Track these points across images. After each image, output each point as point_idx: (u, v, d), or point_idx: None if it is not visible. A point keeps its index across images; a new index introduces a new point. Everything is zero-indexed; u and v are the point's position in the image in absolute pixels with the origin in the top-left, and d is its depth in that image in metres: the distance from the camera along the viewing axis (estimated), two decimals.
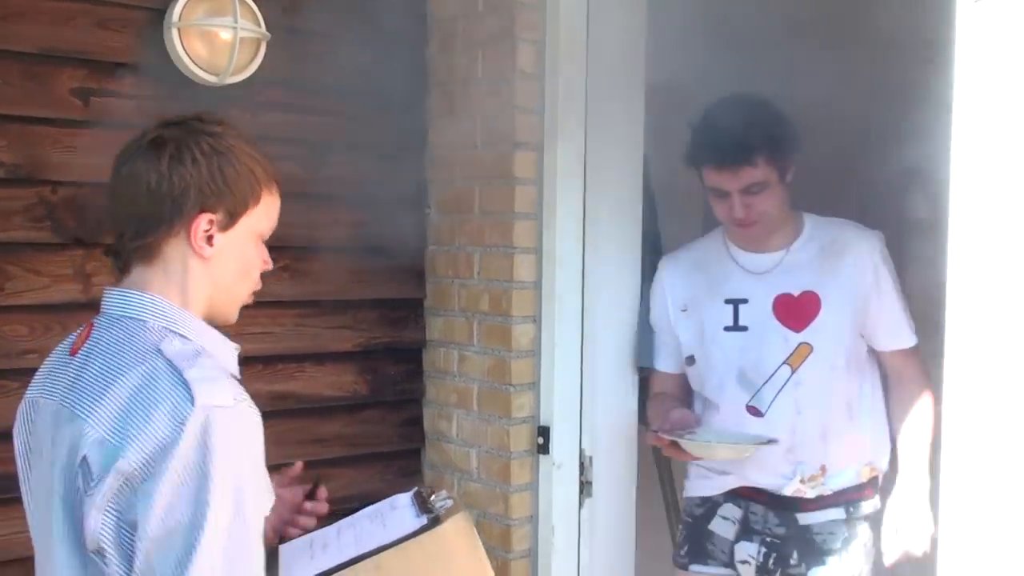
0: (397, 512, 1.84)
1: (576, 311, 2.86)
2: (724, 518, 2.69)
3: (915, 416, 2.57)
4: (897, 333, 2.60)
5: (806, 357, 2.54)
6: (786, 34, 3.42)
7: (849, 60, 3.29)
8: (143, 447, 1.40)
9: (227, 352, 1.62)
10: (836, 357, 2.54)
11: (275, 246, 2.80)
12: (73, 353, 1.59)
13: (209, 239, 1.58)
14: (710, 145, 2.51)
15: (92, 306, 2.55)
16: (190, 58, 2.63)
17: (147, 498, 1.39)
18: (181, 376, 1.45)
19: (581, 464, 2.89)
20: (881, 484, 2.64)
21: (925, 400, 2.58)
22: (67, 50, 2.55)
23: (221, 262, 1.61)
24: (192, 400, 1.42)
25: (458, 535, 1.78)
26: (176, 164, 1.55)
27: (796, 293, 2.57)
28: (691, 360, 2.70)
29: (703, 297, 2.67)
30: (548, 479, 2.85)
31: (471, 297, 2.97)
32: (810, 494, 2.56)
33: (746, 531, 2.65)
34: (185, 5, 2.61)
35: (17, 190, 2.51)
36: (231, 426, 1.45)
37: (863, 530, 2.60)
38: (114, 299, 1.60)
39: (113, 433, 1.42)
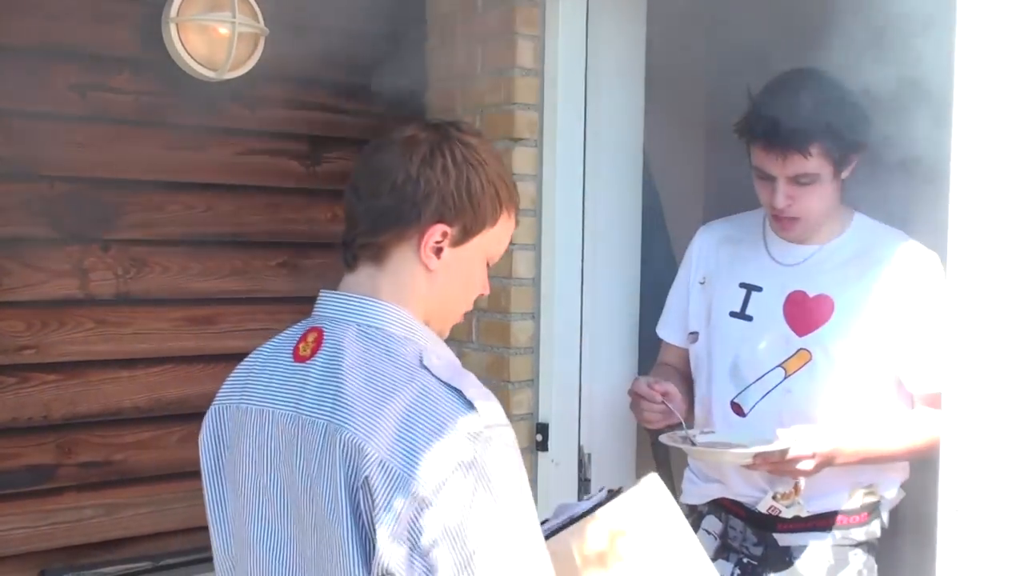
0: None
1: (575, 307, 2.86)
2: (707, 531, 2.47)
3: (910, 422, 2.30)
4: (930, 376, 2.26)
5: (803, 365, 2.31)
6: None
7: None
8: (437, 473, 1.35)
9: (458, 362, 1.56)
10: (839, 373, 2.28)
11: (275, 242, 2.86)
12: (301, 360, 1.51)
13: (438, 251, 1.52)
14: (763, 121, 2.26)
15: (90, 302, 2.59)
16: (188, 53, 2.63)
17: (442, 524, 1.35)
18: (462, 396, 1.40)
19: (580, 461, 2.88)
20: (890, 512, 2.40)
21: (930, 425, 2.22)
22: (65, 45, 2.55)
23: (444, 277, 1.54)
24: (479, 421, 1.38)
25: (649, 496, 1.78)
26: (426, 167, 1.49)
27: (811, 294, 2.34)
28: (695, 337, 2.51)
29: (723, 274, 2.48)
30: (547, 476, 2.85)
31: None
32: (786, 514, 2.32)
33: (724, 548, 2.44)
34: (183, 0, 2.60)
35: (15, 185, 2.51)
36: (509, 444, 1.42)
37: (855, 557, 2.34)
38: (347, 304, 1.54)
39: (399, 457, 1.36)
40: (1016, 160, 1.36)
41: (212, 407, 1.61)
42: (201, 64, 2.64)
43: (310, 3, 2.87)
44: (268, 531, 1.50)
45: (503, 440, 1.40)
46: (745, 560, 2.40)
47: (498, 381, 2.88)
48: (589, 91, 2.84)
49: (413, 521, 1.35)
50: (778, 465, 2.20)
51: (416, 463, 1.35)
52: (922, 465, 2.35)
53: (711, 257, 2.53)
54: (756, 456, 2.19)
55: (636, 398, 2.42)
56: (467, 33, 2.95)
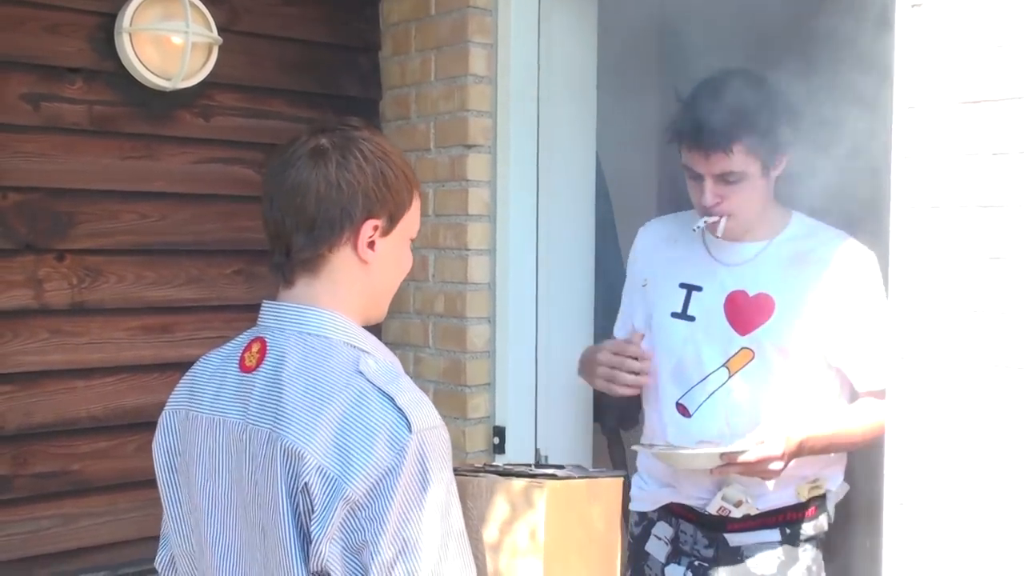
0: None
1: (530, 311, 2.88)
2: (657, 537, 2.45)
3: (863, 410, 2.27)
4: (874, 373, 2.24)
5: (746, 363, 2.29)
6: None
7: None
8: (368, 476, 1.42)
9: (396, 361, 1.62)
10: (780, 371, 2.27)
11: (230, 250, 2.86)
12: (247, 370, 1.57)
13: (371, 245, 1.58)
14: (688, 122, 2.27)
15: (45, 312, 2.58)
16: (142, 63, 2.63)
17: (374, 523, 1.42)
18: (393, 402, 1.46)
19: (536, 464, 2.89)
20: (836, 505, 2.40)
21: (880, 411, 2.05)
22: (17, 55, 2.53)
23: (380, 267, 1.61)
24: (409, 427, 1.44)
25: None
26: (343, 171, 1.55)
27: (752, 293, 2.32)
28: (640, 338, 2.47)
29: (662, 275, 2.45)
30: None
31: (426, 299, 2.99)
32: (736, 513, 2.30)
33: (676, 552, 2.42)
34: (136, 10, 2.60)
35: None
36: (440, 443, 1.48)
37: (804, 553, 2.34)
38: (287, 313, 1.58)
39: (334, 462, 1.43)
40: (956, 167, 1.41)
41: (163, 413, 1.67)
42: (155, 73, 2.65)
43: (263, 12, 2.88)
44: (221, 533, 1.57)
45: (431, 443, 1.47)
46: (696, 563, 2.38)
47: (455, 385, 2.90)
48: (542, 97, 2.87)
49: (345, 522, 1.43)
50: (750, 466, 2.18)
51: (350, 467, 1.42)
52: (863, 457, 2.38)
53: (651, 258, 2.52)
54: (723, 456, 2.16)
55: (599, 366, 2.40)
56: (421, 41, 2.97)
